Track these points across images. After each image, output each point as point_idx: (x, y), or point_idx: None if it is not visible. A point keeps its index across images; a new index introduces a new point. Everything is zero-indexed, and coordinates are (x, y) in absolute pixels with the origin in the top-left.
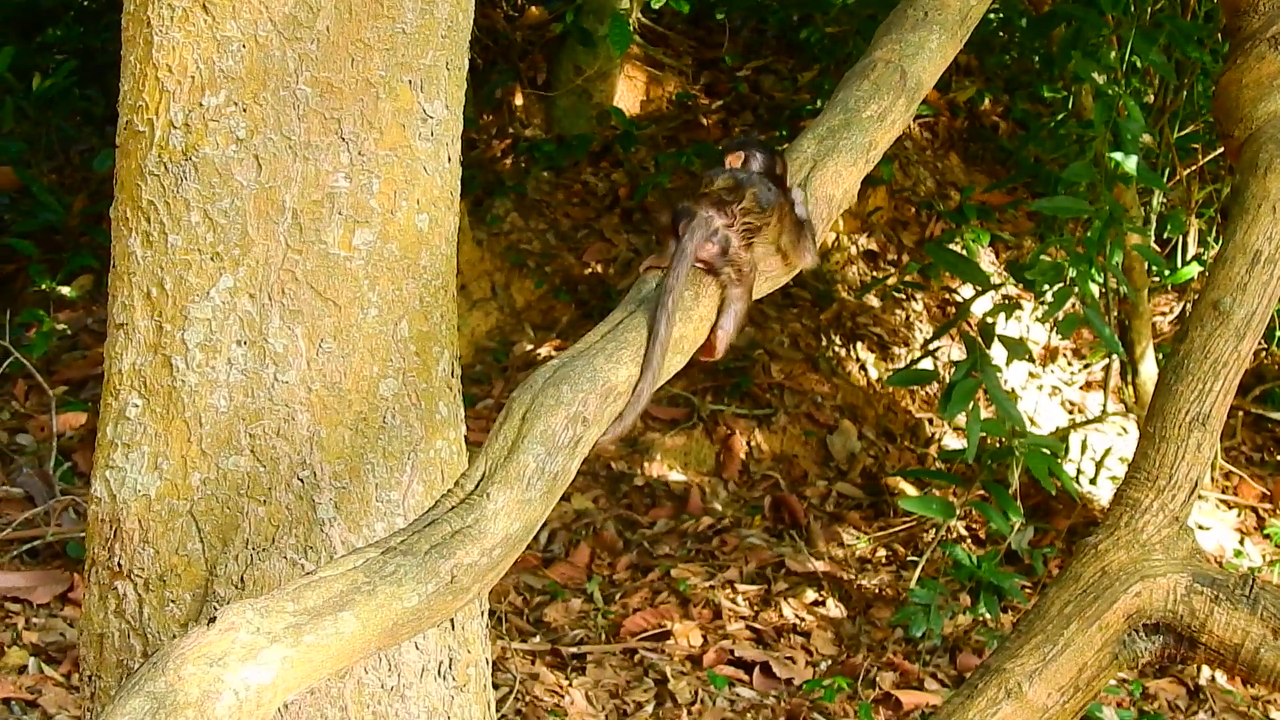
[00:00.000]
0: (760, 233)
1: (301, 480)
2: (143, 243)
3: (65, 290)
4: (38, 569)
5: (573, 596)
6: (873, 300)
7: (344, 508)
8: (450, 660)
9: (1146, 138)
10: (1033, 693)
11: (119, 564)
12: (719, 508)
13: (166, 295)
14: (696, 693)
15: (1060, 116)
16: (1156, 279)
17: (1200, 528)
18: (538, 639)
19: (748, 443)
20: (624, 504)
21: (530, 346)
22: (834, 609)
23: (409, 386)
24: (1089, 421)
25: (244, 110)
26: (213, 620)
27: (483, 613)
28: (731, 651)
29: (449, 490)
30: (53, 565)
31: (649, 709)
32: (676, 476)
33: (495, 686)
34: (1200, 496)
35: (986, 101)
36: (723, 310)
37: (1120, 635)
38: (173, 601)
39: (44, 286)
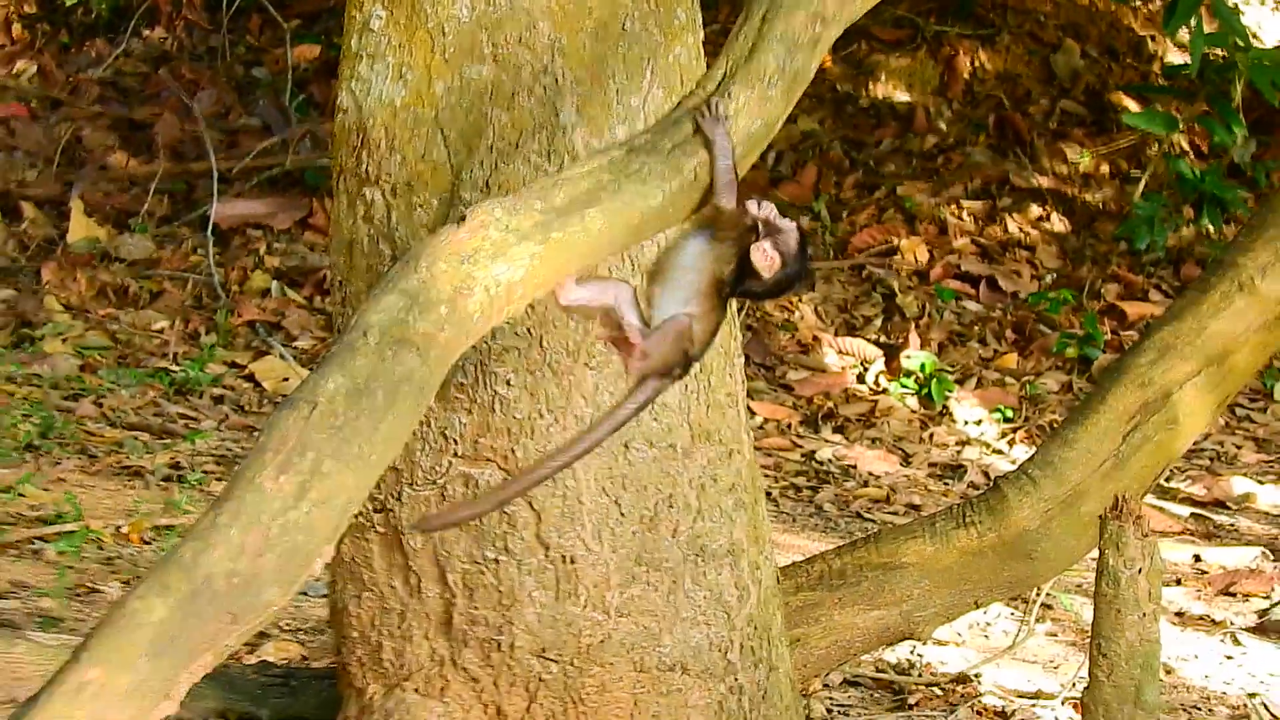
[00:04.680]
0: None
1: (544, 87)
2: None
3: None
4: (277, 196)
5: (800, 215)
6: None
7: (586, 112)
8: None
9: None
10: (1265, 286)
11: (367, 171)
12: (943, 126)
13: None
14: (924, 306)
15: None
16: None
17: None
18: None
19: (971, 62)
20: (850, 124)
21: None
22: (1058, 223)
23: None
24: None
25: None
26: (462, 219)
27: None
28: (958, 266)
29: (691, 91)
30: (292, 192)
31: (877, 323)
32: (901, 97)
33: None
34: None
35: None
36: None
37: None
38: (420, 206)
39: None
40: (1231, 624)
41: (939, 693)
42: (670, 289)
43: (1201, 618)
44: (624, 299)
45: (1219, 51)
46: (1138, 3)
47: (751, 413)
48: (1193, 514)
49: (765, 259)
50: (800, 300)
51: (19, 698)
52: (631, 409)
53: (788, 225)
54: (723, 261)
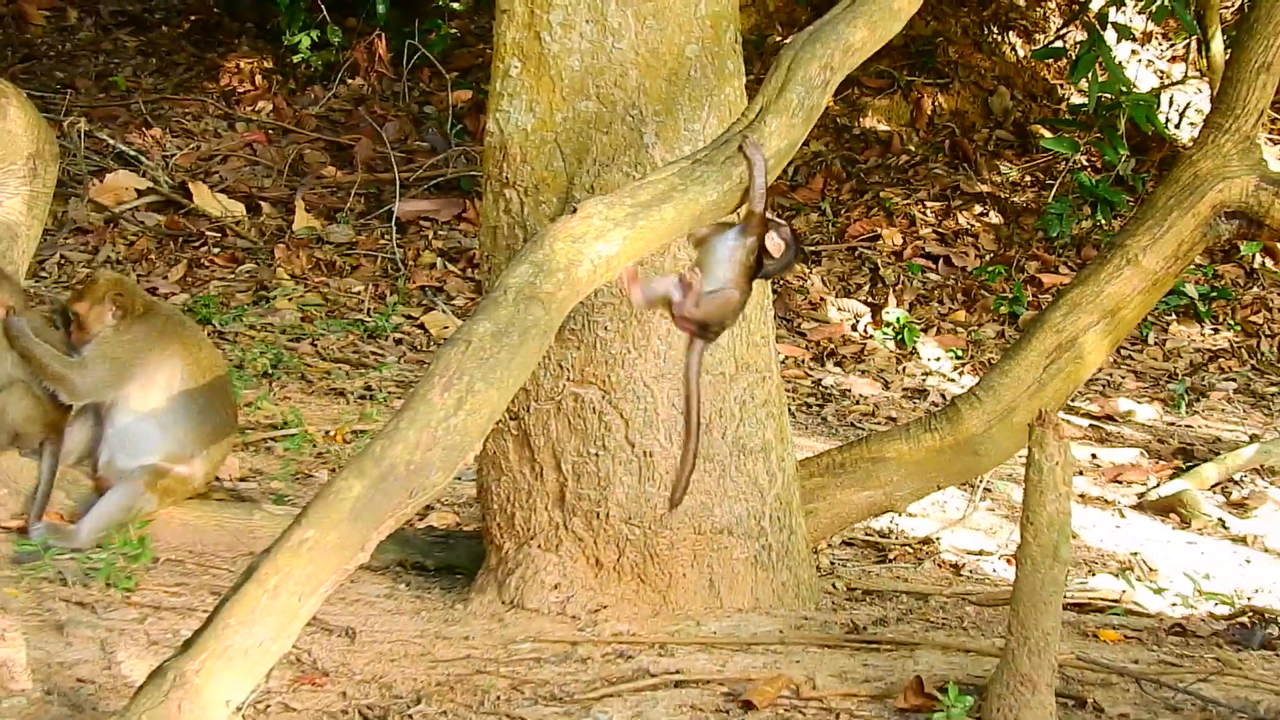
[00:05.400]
0: None
1: (632, 117)
2: None
3: (456, 4)
4: (441, 198)
5: (811, 211)
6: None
7: (662, 136)
8: None
9: None
10: (1146, 261)
11: (506, 177)
12: (913, 149)
13: None
14: (899, 277)
15: None
16: None
17: None
18: None
19: (932, 103)
20: (846, 147)
21: (778, 39)
22: (994, 218)
23: (706, 50)
24: (1175, 83)
25: None
26: (575, 211)
27: None
28: (923, 248)
29: (737, 119)
30: (452, 195)
31: (866, 288)
32: (883, 127)
33: None
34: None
35: None
36: None
37: (1208, 220)
38: (544, 203)
39: (439, 2)
40: (1119, 503)
41: (910, 550)
42: (713, 275)
43: (1098, 498)
44: (673, 285)
45: (1109, 95)
46: (1051, 60)
47: (777, 351)
48: (1091, 424)
49: (775, 244)
50: (810, 273)
51: (256, 550)
52: (694, 361)
53: (783, 222)
54: (750, 251)
